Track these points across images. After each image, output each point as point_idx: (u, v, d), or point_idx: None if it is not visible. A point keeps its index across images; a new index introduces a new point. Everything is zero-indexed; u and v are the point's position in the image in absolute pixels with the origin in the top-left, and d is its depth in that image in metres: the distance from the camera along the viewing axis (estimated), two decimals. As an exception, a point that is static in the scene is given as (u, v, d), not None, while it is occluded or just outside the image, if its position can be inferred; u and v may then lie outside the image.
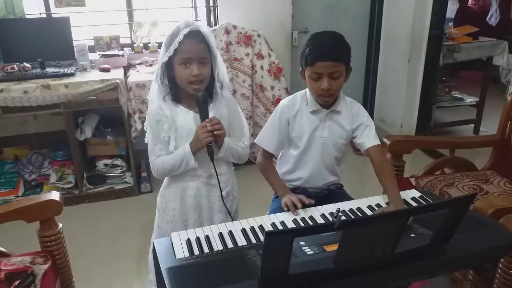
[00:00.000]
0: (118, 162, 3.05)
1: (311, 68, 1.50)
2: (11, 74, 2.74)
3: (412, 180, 2.16)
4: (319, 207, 1.50)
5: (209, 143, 1.42)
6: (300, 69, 1.59)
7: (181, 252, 1.22)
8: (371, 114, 4.17)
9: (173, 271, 1.10)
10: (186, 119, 1.47)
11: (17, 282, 1.45)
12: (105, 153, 3.05)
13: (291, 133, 1.65)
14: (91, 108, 2.89)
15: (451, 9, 4.02)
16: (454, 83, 4.30)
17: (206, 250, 1.23)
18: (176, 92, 1.49)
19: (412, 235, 1.22)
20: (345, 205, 1.49)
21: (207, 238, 1.28)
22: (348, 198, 1.68)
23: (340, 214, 0.92)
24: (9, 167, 3.00)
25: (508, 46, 3.85)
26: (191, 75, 1.41)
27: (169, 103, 1.48)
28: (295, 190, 1.70)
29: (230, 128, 1.56)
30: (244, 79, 2.98)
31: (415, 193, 1.55)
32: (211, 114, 1.46)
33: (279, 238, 0.92)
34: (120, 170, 3.06)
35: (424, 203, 1.49)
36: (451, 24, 4.51)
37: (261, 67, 3.03)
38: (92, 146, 3.04)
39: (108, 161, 3.05)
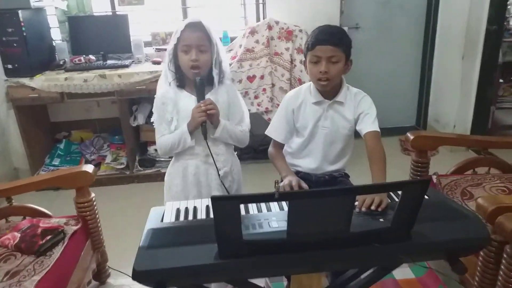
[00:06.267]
0: (166, 148, 3.31)
1: (311, 53, 1.58)
2: (78, 65, 3.13)
3: (434, 178, 2.10)
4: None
5: (203, 122, 1.56)
6: (304, 59, 1.66)
7: (168, 218, 1.37)
8: (425, 113, 4.02)
9: (153, 231, 1.26)
10: (188, 102, 1.62)
11: (48, 237, 1.72)
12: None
13: (296, 123, 1.73)
14: (144, 97, 3.18)
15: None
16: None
17: (190, 218, 1.37)
18: (181, 78, 1.65)
19: (381, 219, 1.25)
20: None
21: (195, 208, 1.42)
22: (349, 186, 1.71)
23: (278, 185, 0.99)
24: (75, 147, 3.41)
25: None
26: (190, 60, 1.56)
27: (174, 88, 1.65)
28: (297, 173, 1.77)
29: (230, 112, 1.69)
30: (283, 73, 3.07)
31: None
32: (211, 98, 1.60)
33: (226, 203, 1.03)
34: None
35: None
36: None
37: (301, 62, 3.10)
38: (144, 132, 3.34)
39: (158, 147, 3.32)
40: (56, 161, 3.24)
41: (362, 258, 1.18)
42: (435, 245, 1.18)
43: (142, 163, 3.30)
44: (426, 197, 1.40)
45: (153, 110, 1.67)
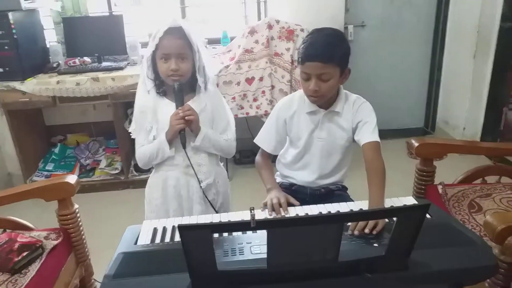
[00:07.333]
0: (163, 152, 3.21)
1: (301, 67, 1.44)
2: (72, 67, 3.03)
3: (440, 188, 1.95)
4: (305, 207, 1.44)
5: (181, 130, 1.45)
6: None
7: (143, 240, 1.26)
8: (433, 115, 3.85)
9: (123, 255, 1.15)
10: (169, 110, 1.51)
11: (25, 253, 1.61)
12: (152, 143, 3.23)
13: (289, 134, 1.61)
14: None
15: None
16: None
17: (167, 239, 1.25)
18: (162, 85, 1.53)
19: (376, 245, 1.13)
20: (335, 207, 1.42)
21: (173, 228, 1.31)
22: (346, 200, 1.58)
23: (253, 212, 0.87)
24: (70, 151, 3.33)
25: None
26: (169, 69, 1.45)
27: (154, 95, 1.53)
28: (291, 186, 1.66)
29: (213, 120, 1.57)
30: (283, 74, 2.94)
31: (411, 202, 1.41)
32: (193, 106, 1.49)
33: (195, 233, 0.91)
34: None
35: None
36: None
37: (302, 63, 2.96)
38: (140, 136, 3.23)
39: (154, 151, 3.22)
40: (49, 166, 3.16)
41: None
42: (435, 274, 1.05)
43: (138, 168, 3.20)
44: (428, 216, 1.28)
45: (132, 119, 1.57)
